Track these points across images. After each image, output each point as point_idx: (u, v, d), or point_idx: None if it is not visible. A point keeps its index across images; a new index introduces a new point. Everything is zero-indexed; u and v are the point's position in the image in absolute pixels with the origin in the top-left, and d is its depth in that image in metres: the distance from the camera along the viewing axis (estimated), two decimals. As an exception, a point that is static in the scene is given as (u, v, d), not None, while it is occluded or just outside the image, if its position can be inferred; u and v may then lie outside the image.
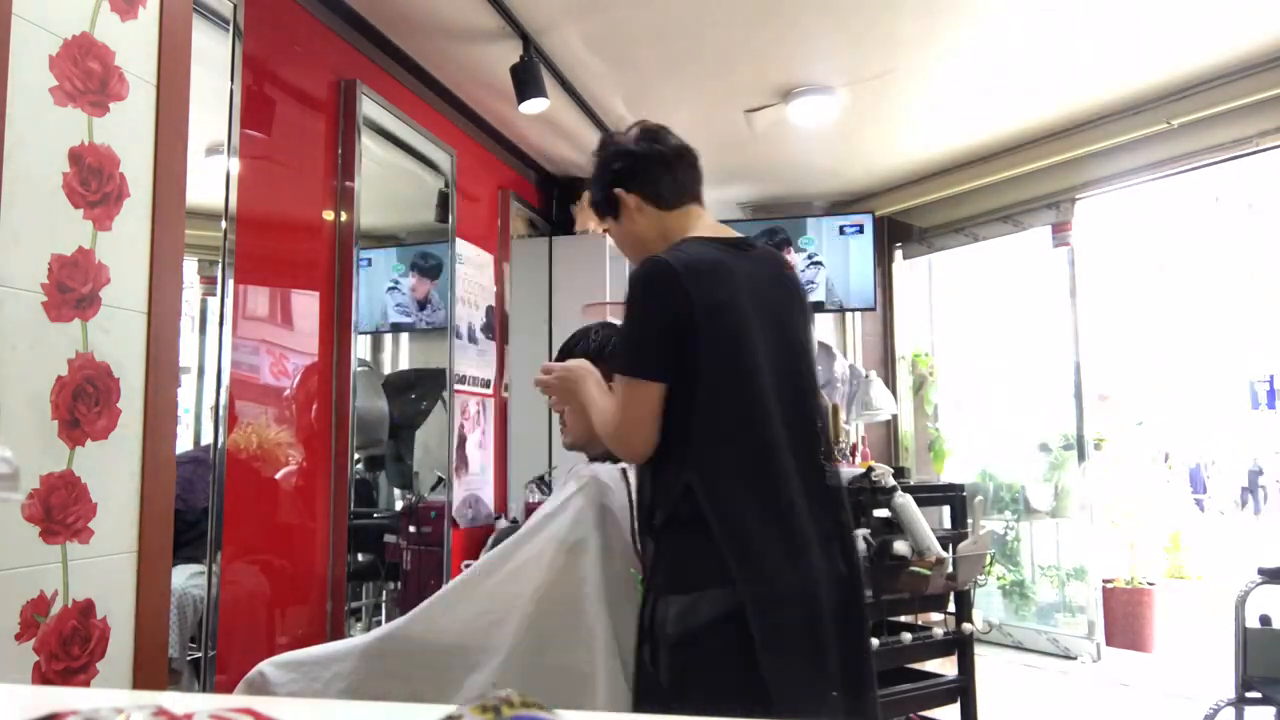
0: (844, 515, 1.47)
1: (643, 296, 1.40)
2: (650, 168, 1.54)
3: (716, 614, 1.29)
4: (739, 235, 1.55)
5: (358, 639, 1.54)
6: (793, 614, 1.31)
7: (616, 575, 1.50)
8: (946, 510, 3.20)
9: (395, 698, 1.45)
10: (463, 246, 3.68)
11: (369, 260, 3.16)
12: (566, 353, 1.69)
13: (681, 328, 1.35)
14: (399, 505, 3.38)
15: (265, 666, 1.50)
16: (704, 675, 1.28)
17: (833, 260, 4.93)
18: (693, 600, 1.30)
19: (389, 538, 3.19)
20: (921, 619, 3.27)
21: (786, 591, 1.31)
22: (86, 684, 1.37)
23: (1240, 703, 2.60)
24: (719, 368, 1.36)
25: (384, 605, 3.18)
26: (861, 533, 2.53)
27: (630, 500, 1.60)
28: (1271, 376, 5.63)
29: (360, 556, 3.00)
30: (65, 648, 1.33)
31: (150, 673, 1.47)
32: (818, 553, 1.37)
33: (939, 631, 2.90)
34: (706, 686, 1.28)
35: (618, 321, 1.57)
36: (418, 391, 3.48)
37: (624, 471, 1.64)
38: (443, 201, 3.55)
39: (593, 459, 1.71)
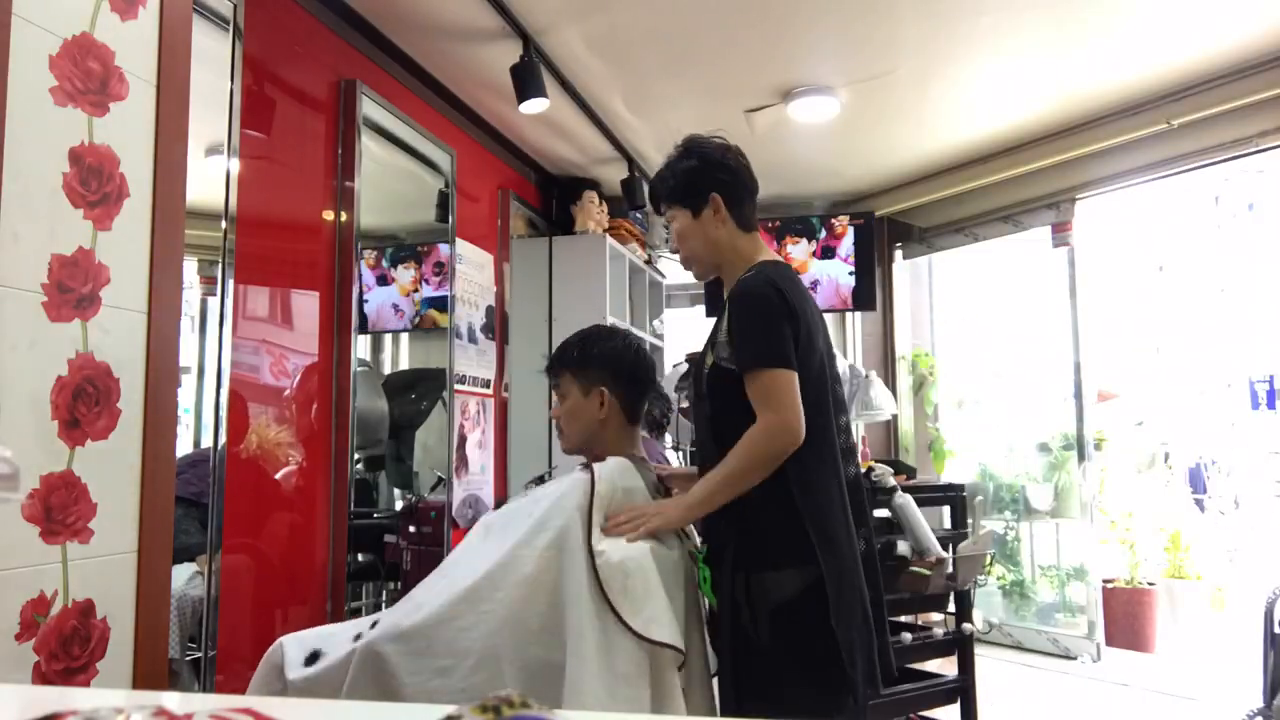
0: (863, 499, 1.75)
1: (766, 306, 1.63)
2: (741, 191, 1.77)
3: (802, 587, 1.55)
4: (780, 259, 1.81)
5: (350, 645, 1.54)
6: (851, 584, 1.59)
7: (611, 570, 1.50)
8: (946, 510, 3.20)
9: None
10: (463, 246, 3.68)
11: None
12: (558, 361, 1.79)
13: (791, 334, 1.60)
14: (399, 505, 3.37)
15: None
16: (794, 637, 1.55)
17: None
18: (783, 577, 1.57)
19: (389, 538, 3.19)
20: (921, 619, 3.27)
21: (851, 565, 1.60)
22: (86, 684, 1.37)
23: (1270, 713, 2.55)
24: (803, 370, 1.60)
25: (384, 605, 3.18)
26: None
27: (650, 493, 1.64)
28: (1271, 376, 5.62)
29: (360, 556, 3.00)
30: (65, 648, 1.33)
31: (150, 673, 1.47)
32: (854, 532, 1.66)
33: (939, 631, 2.90)
34: (795, 646, 1.56)
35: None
36: (418, 391, 3.48)
37: (637, 468, 1.67)
38: (443, 201, 3.55)
39: (589, 461, 1.73)
